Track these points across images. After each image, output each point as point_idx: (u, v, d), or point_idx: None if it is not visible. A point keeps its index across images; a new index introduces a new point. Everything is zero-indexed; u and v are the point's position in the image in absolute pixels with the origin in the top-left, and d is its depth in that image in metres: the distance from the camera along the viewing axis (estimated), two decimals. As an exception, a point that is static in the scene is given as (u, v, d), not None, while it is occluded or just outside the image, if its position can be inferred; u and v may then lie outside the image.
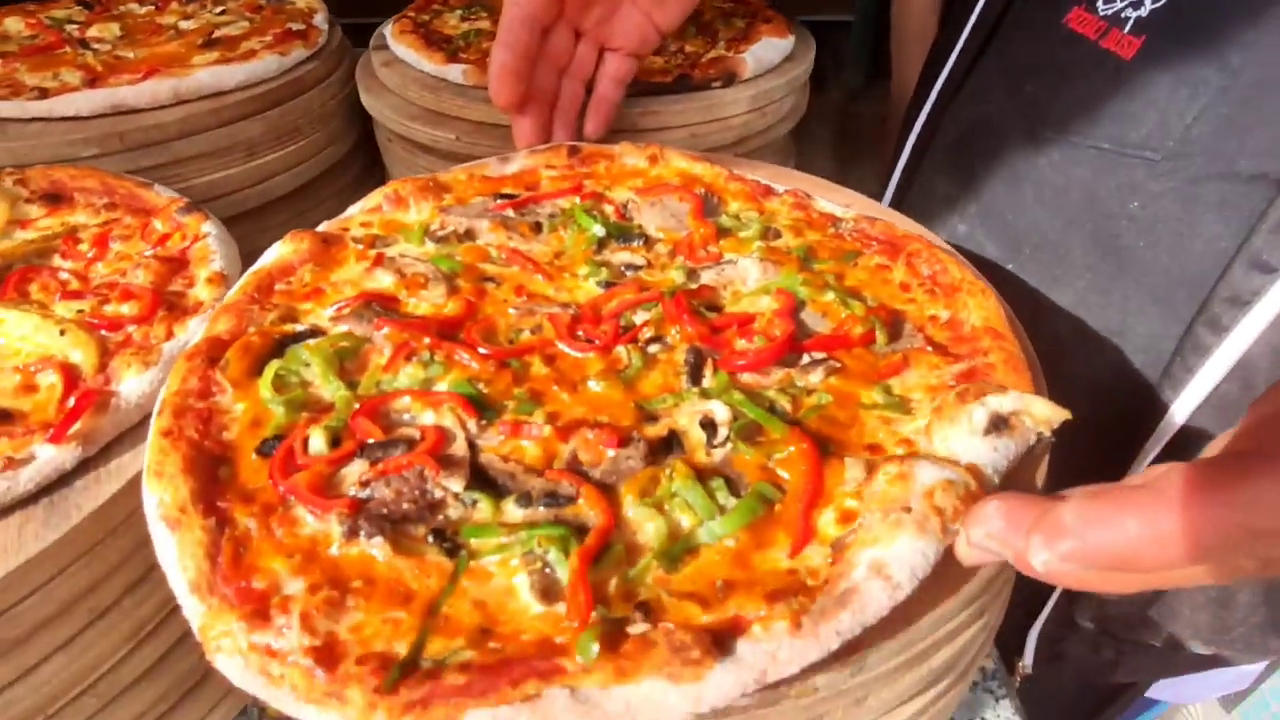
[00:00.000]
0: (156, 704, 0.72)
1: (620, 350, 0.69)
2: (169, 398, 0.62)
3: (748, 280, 0.79)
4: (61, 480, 0.63)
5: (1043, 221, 0.94)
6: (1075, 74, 0.91)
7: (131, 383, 0.69)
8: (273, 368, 0.64)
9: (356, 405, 0.63)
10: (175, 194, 0.95)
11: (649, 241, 0.85)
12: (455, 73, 1.19)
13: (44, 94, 1.11)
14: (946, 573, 0.52)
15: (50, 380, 0.70)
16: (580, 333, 0.72)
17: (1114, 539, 0.36)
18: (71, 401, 0.66)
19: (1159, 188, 0.82)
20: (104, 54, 1.23)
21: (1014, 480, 0.58)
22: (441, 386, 0.66)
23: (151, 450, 0.58)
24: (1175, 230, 0.83)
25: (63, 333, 0.77)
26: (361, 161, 1.44)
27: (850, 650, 0.48)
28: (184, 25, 1.35)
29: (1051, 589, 0.96)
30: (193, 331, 0.75)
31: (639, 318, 0.73)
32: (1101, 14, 0.87)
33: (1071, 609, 0.99)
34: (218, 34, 1.31)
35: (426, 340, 0.67)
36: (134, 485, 0.66)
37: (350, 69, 1.35)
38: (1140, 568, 0.37)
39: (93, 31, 1.31)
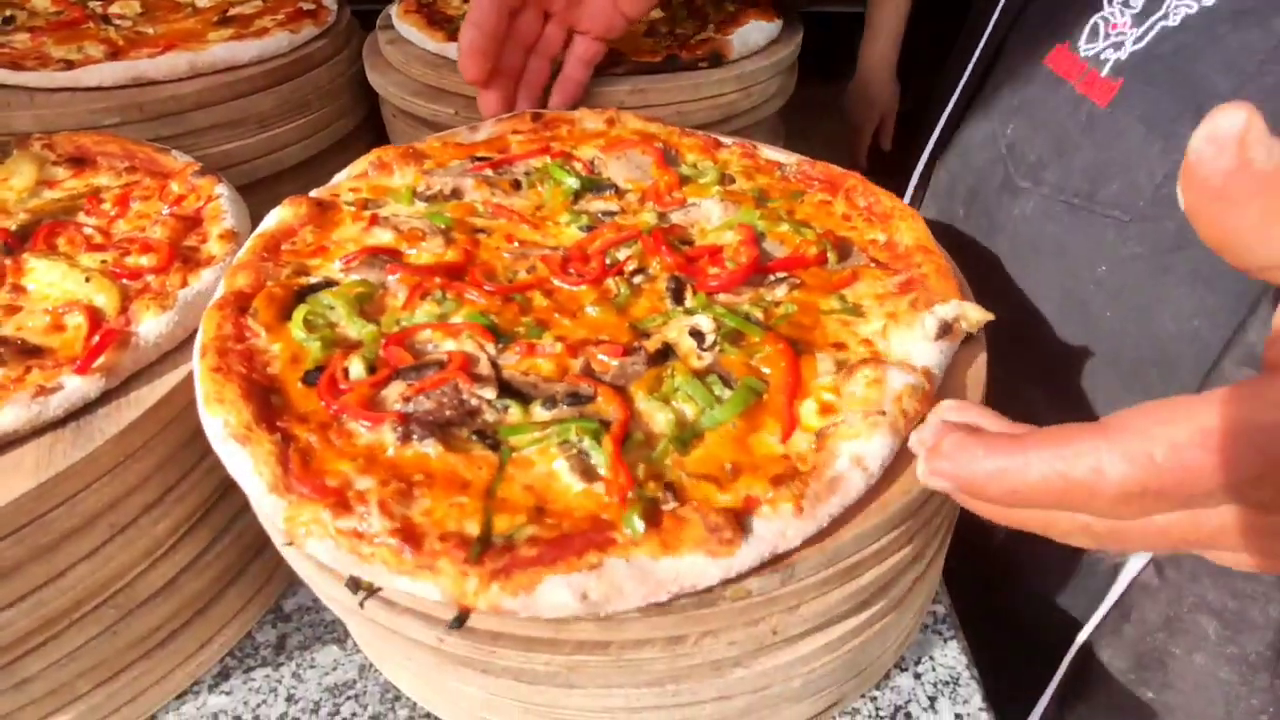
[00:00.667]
0: (169, 620, 0.77)
1: (609, 282, 0.72)
2: (209, 342, 0.63)
3: (712, 218, 0.82)
4: (86, 408, 0.65)
5: (1016, 278, 0.85)
6: (1051, 120, 0.81)
7: (149, 324, 0.70)
8: (301, 311, 0.65)
9: (383, 339, 0.65)
10: (191, 159, 0.95)
11: (619, 191, 0.87)
12: (454, 50, 1.22)
13: (69, 66, 1.07)
14: (873, 495, 0.56)
15: (77, 321, 0.70)
16: (572, 270, 0.74)
17: (966, 467, 0.38)
18: (96, 339, 0.68)
19: (1128, 252, 0.73)
20: (125, 29, 1.18)
21: (952, 374, 0.65)
22: (456, 321, 0.68)
23: (204, 383, 0.60)
24: (1143, 302, 0.73)
25: (88, 279, 0.81)
26: (369, 136, 1.41)
27: (779, 559, 0.52)
28: (200, 3, 1.41)
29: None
30: (205, 281, 0.75)
31: (622, 254, 0.76)
32: (1083, 55, 0.78)
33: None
34: (232, 12, 1.25)
35: (438, 280, 0.70)
36: (151, 414, 0.66)
37: (358, 48, 1.30)
38: (984, 497, 0.39)
39: (114, 9, 1.30)
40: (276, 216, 0.80)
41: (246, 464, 0.54)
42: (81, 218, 0.89)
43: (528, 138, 0.98)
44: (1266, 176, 0.33)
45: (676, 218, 0.83)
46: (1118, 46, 0.75)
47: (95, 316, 0.72)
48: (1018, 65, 0.90)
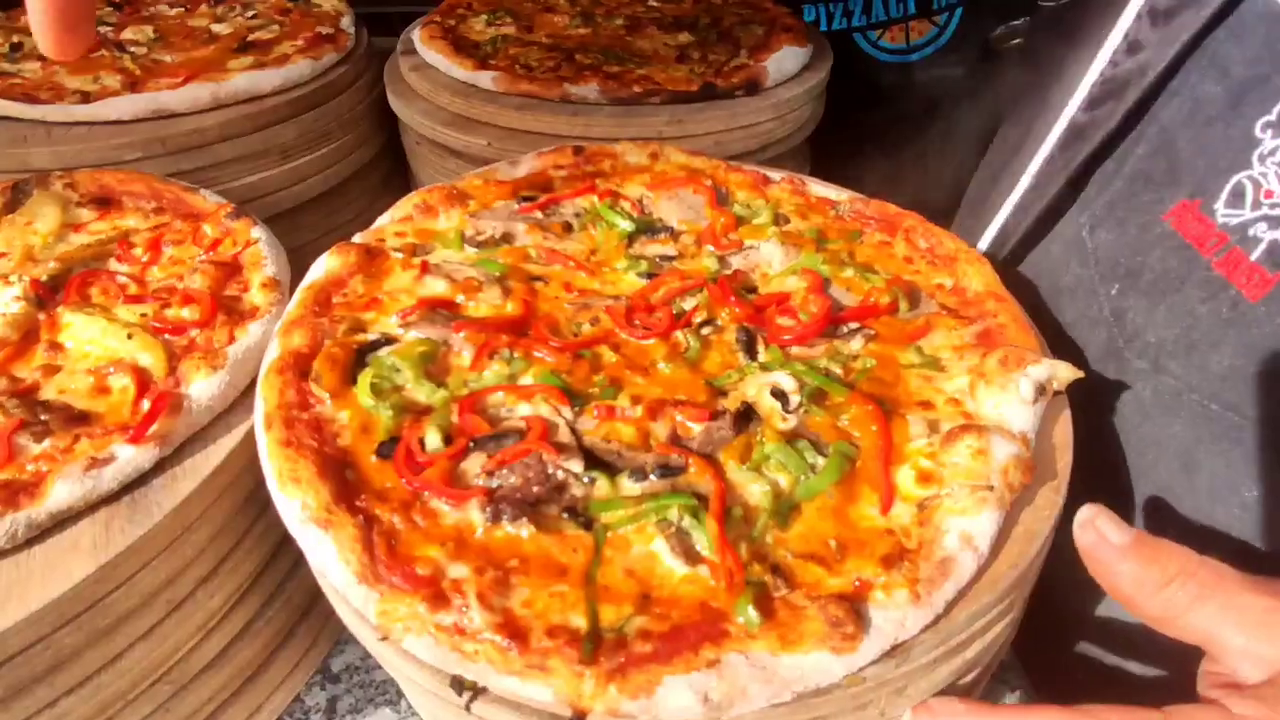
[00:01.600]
0: (220, 690, 0.74)
1: (678, 335, 0.70)
2: (272, 411, 0.60)
3: (773, 263, 0.80)
4: (140, 479, 0.62)
5: (1125, 473, 0.72)
6: (1178, 301, 0.66)
7: (200, 385, 0.67)
8: (367, 376, 0.62)
9: (455, 404, 0.62)
10: (221, 199, 0.91)
11: (674, 233, 0.84)
12: (486, 79, 1.17)
13: (85, 97, 1.03)
14: (985, 570, 0.55)
15: (122, 383, 0.67)
16: (637, 322, 0.72)
17: None
18: (147, 404, 0.64)
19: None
20: (141, 58, 1.14)
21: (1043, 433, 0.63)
22: (526, 380, 0.65)
23: (275, 460, 0.57)
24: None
25: (130, 336, 0.77)
26: (388, 163, 1.35)
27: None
28: (217, 29, 1.27)
29: None
30: (253, 336, 0.72)
31: (688, 304, 0.74)
32: (1220, 220, 0.62)
33: None
34: (251, 38, 1.21)
35: (504, 338, 0.67)
36: (208, 484, 0.63)
37: (377, 72, 1.27)
38: None
39: (127, 34, 1.26)
40: (324, 266, 0.77)
41: (330, 551, 0.51)
42: (113, 265, 0.85)
43: (570, 172, 0.96)
44: (1121, 549, 0.50)
45: (736, 262, 0.81)
46: (1275, 224, 0.59)
47: (142, 378, 0.69)
48: (1125, 212, 0.72)
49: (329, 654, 0.83)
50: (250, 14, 1.29)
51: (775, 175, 0.95)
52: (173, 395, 0.66)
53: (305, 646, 0.79)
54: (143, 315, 0.76)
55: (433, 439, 0.59)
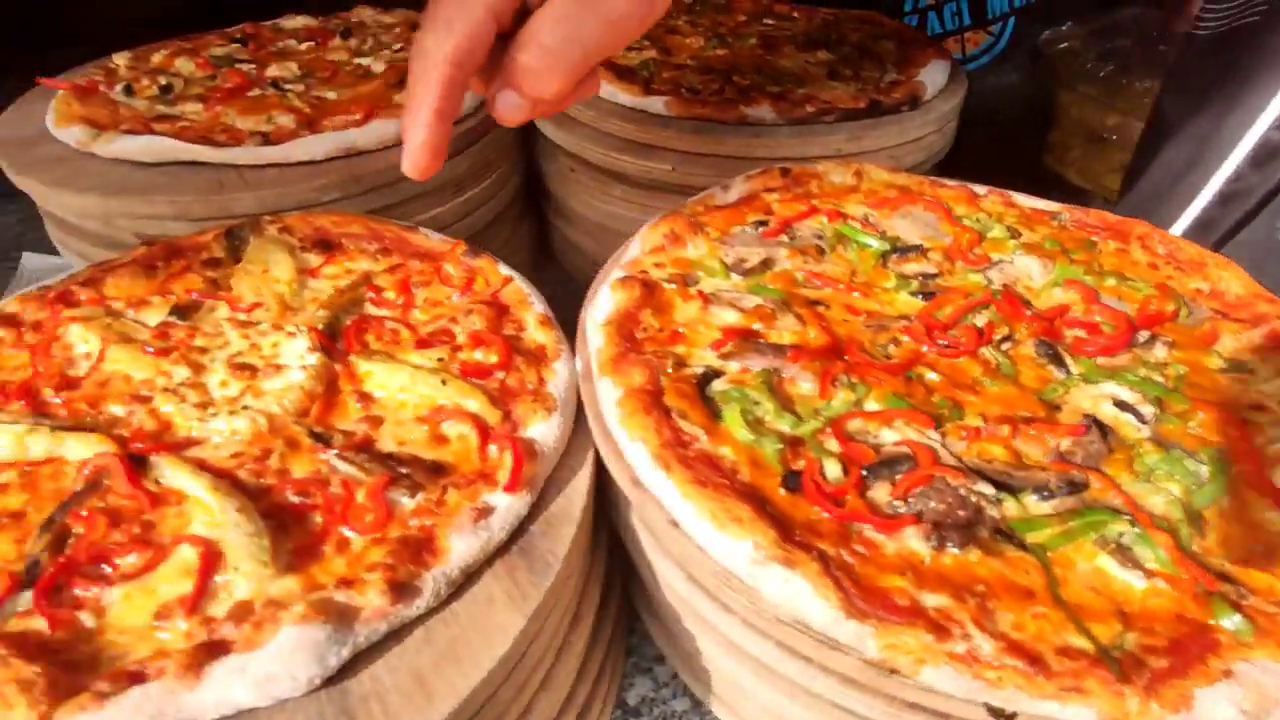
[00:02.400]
0: None
1: (985, 352, 0.72)
2: (659, 451, 0.60)
3: (1034, 275, 0.83)
4: (520, 527, 0.62)
5: None
6: None
7: (540, 429, 0.66)
8: (735, 410, 0.64)
9: (820, 433, 0.63)
10: (441, 236, 0.91)
11: (923, 251, 0.86)
12: (657, 104, 1.17)
13: (265, 139, 1.01)
14: None
15: (459, 430, 0.67)
16: (942, 341, 0.74)
17: None
18: (494, 450, 0.64)
19: None
20: (303, 95, 1.12)
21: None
22: (870, 405, 0.66)
23: (700, 501, 0.57)
24: None
25: (444, 383, 0.77)
26: (526, 192, 1.36)
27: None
28: (369, 64, 1.23)
29: None
30: (563, 375, 0.72)
31: (978, 320, 0.76)
32: None
33: None
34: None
35: (839, 364, 0.69)
36: (581, 526, 0.64)
37: None
38: None
39: (274, 71, 1.28)
40: (612, 301, 0.78)
41: (802, 588, 0.52)
42: (369, 309, 0.84)
43: (781, 195, 0.97)
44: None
45: (996, 277, 0.84)
46: None
47: (481, 425, 0.68)
48: None
49: (622, 688, 0.82)
50: (397, 48, 1.28)
51: (980, 189, 0.98)
52: (525, 441, 0.66)
53: (609, 680, 0.79)
54: (440, 360, 0.75)
55: (833, 469, 0.60)
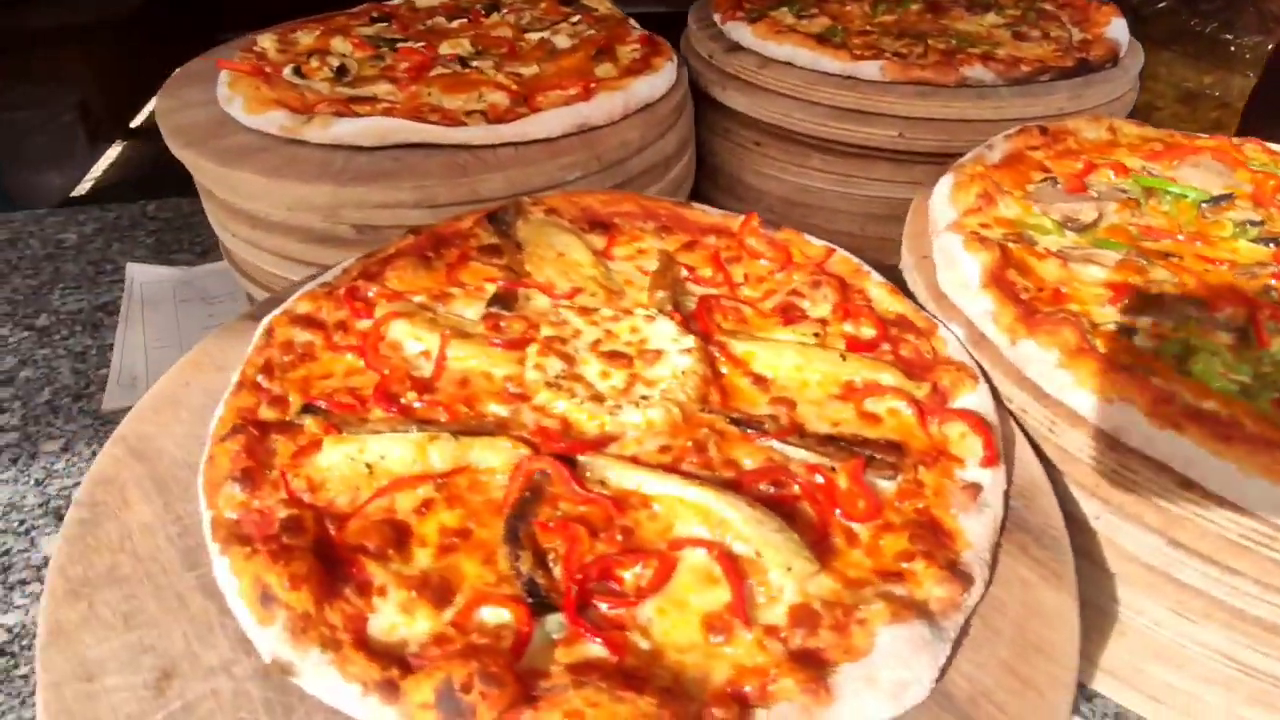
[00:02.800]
0: None
1: None
2: (1154, 409, 0.57)
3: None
4: None
5: None
6: None
7: (972, 398, 0.63)
8: (1211, 362, 0.61)
9: None
10: (716, 211, 0.85)
11: (1231, 199, 0.84)
12: (871, 70, 1.14)
13: (484, 118, 0.94)
14: None
15: (888, 406, 0.62)
16: None
17: None
18: (939, 426, 0.60)
19: None
20: (502, 73, 1.04)
21: None
22: None
23: (1247, 458, 0.53)
24: None
25: (844, 358, 0.72)
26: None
27: None
28: (540, 37, 1.16)
29: None
30: (951, 342, 0.69)
31: None
32: None
33: None
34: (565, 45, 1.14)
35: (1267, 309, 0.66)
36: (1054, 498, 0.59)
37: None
38: None
39: (446, 49, 1.18)
40: (976, 263, 0.73)
41: None
42: (692, 289, 0.77)
43: (1046, 152, 0.95)
44: None
45: (1321, 222, 0.83)
46: None
47: (913, 400, 0.63)
48: None
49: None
50: (575, 19, 1.20)
51: (1235, 140, 0.97)
52: (972, 413, 0.61)
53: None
54: (816, 335, 0.70)
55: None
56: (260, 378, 0.63)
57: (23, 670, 0.77)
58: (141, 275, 1.34)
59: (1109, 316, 0.68)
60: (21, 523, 0.92)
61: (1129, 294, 0.70)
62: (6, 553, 0.88)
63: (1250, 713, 0.64)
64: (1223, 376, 0.61)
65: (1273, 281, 0.73)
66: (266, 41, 1.13)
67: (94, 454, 1.02)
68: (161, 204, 1.60)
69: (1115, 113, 1.14)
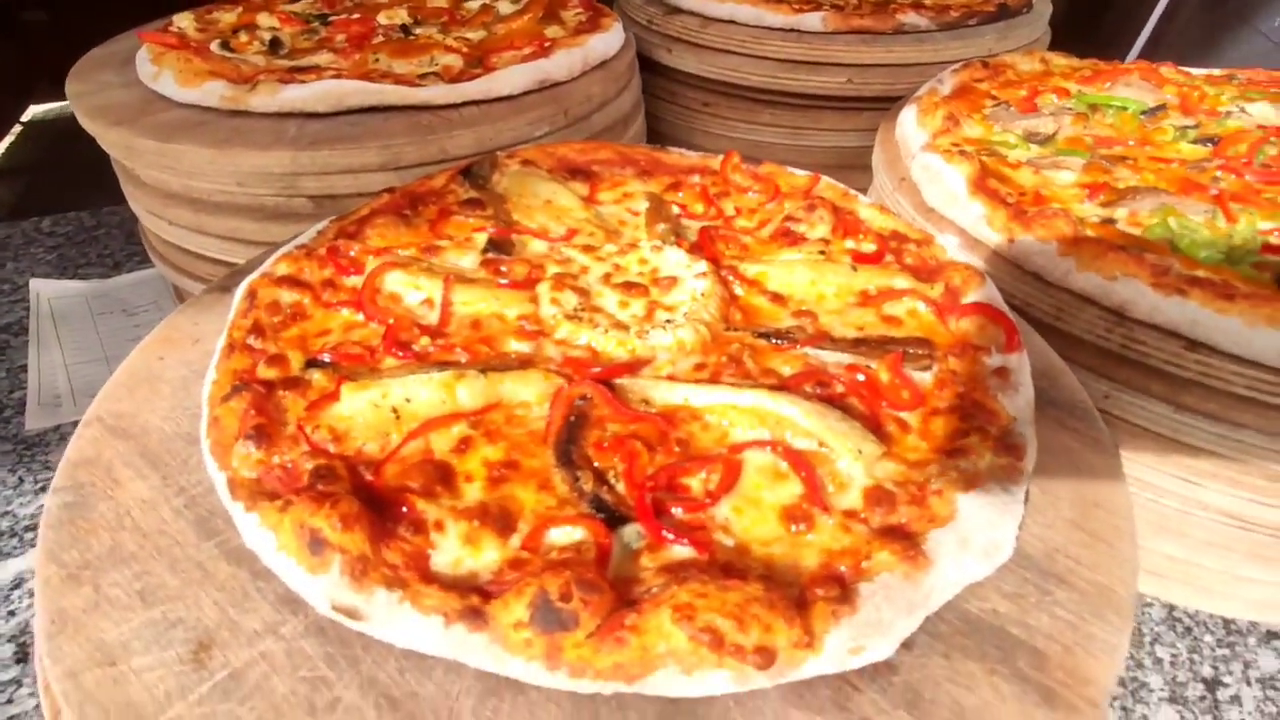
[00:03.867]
0: None
1: None
2: (1158, 281, 0.60)
3: (1271, 117, 0.90)
4: None
5: None
6: None
7: (981, 293, 0.63)
8: (1196, 238, 0.66)
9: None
10: (693, 153, 0.85)
11: (1164, 109, 0.91)
12: (814, 20, 1.13)
13: (439, 79, 0.90)
14: None
15: (907, 307, 0.62)
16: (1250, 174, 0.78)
17: None
18: (958, 319, 0.60)
19: None
20: (449, 37, 1.04)
21: None
22: (1262, 225, 0.69)
23: (1237, 308, 0.56)
24: None
25: (855, 269, 0.69)
26: None
27: None
28: (503, 10, 1.13)
29: None
30: (948, 247, 0.68)
31: (1271, 151, 0.80)
32: None
33: None
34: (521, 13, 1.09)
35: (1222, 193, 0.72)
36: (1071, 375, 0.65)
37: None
38: None
39: (383, 19, 1.12)
40: (958, 174, 0.76)
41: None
42: (687, 223, 0.76)
43: (990, 83, 0.99)
44: None
45: (1244, 121, 0.89)
46: None
47: (928, 299, 0.64)
48: None
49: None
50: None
51: (1153, 63, 1.05)
52: (988, 306, 0.63)
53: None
54: (821, 254, 0.70)
55: (1314, 270, 0.61)
56: (251, 339, 0.57)
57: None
58: (48, 290, 1.22)
59: (1091, 211, 0.72)
60: (-53, 559, 0.82)
61: (1103, 190, 0.73)
62: (-64, 592, 0.78)
63: (1248, 569, 0.68)
64: (1206, 250, 0.64)
65: (1219, 174, 0.79)
66: (184, 21, 1.05)
67: (20, 479, 0.92)
68: (58, 219, 1.47)
69: (1035, 48, 1.21)
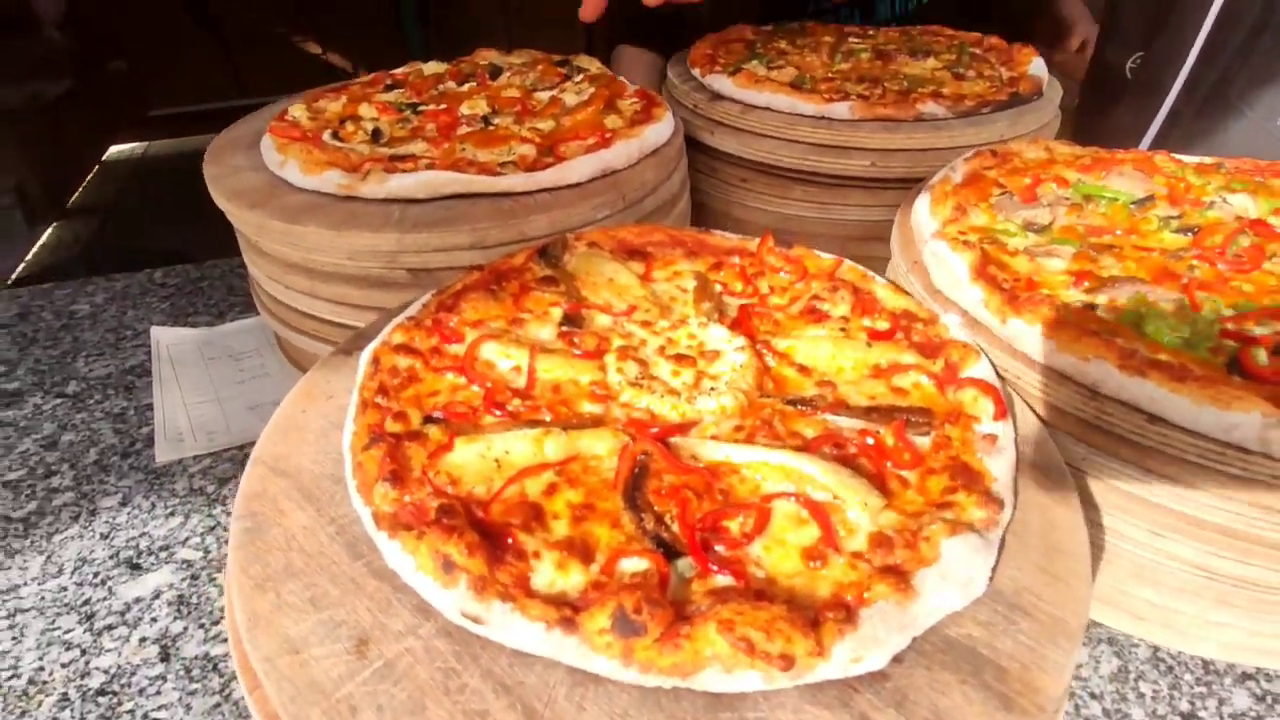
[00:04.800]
0: None
1: (1267, 265, 0.87)
2: (1124, 363, 0.70)
3: (1249, 209, 1.00)
4: None
5: None
6: None
7: (978, 369, 0.76)
8: (1159, 324, 0.76)
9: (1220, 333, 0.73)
10: (733, 235, 0.98)
11: (1153, 199, 1.01)
12: (842, 110, 1.29)
13: (516, 168, 1.05)
14: None
15: (913, 380, 0.75)
16: (1223, 263, 0.88)
17: None
18: (955, 392, 0.72)
19: None
20: (523, 128, 1.17)
21: None
22: (1225, 311, 0.78)
23: (1196, 392, 0.66)
24: None
25: (869, 345, 0.83)
26: None
27: None
28: (548, 95, 1.30)
29: None
30: (951, 326, 0.81)
31: (1244, 243, 0.91)
32: None
33: None
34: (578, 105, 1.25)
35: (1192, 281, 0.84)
36: (1052, 443, 0.77)
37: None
38: None
39: (465, 109, 1.29)
40: (962, 261, 0.88)
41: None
42: (728, 300, 0.90)
43: (998, 170, 1.12)
44: None
45: (1224, 212, 1.01)
46: None
47: (930, 373, 0.76)
48: None
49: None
50: (578, 79, 1.34)
51: (1148, 151, 1.16)
52: (981, 380, 0.75)
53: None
54: (842, 330, 0.83)
55: (1260, 355, 0.72)
56: (379, 398, 0.72)
57: (127, 706, 0.82)
58: (166, 338, 1.40)
59: (1075, 296, 0.84)
60: (95, 574, 0.97)
61: (1088, 278, 0.85)
62: (88, 602, 0.93)
63: (1217, 614, 0.78)
64: (1170, 334, 0.76)
65: (1194, 262, 0.90)
66: (298, 111, 1.23)
67: (152, 504, 1.08)
68: (168, 271, 1.66)
69: (1046, 135, 1.34)
